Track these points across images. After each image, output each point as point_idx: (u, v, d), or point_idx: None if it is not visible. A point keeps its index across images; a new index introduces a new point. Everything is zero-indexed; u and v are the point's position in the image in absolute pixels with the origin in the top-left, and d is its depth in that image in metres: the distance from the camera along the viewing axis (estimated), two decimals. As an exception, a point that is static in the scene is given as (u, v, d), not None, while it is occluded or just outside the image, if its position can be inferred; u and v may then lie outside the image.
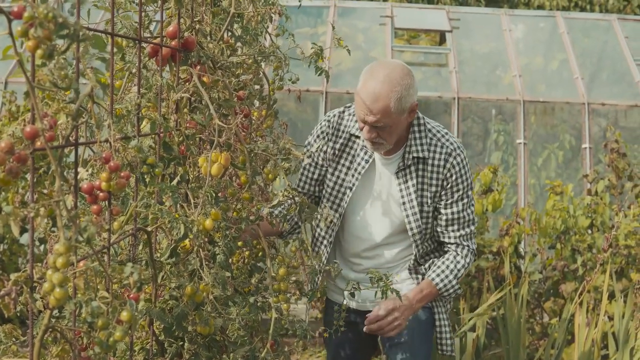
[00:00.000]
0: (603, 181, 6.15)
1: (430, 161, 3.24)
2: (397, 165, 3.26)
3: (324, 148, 3.33)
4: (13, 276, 1.34)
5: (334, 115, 3.37)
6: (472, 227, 3.33)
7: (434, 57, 8.74)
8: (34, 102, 1.32)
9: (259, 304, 2.41)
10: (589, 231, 5.82)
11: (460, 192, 3.26)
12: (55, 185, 1.35)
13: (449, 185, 3.25)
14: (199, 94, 2.16)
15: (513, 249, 5.58)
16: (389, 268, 3.36)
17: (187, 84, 2.16)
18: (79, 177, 1.61)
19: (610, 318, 5.25)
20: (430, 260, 3.38)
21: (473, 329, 5.01)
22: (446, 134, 3.30)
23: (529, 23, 9.41)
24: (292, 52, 2.76)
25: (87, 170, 1.62)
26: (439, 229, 3.33)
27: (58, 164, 1.36)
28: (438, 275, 3.26)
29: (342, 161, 3.33)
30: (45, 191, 1.47)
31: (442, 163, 3.23)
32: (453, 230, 3.30)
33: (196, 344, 2.15)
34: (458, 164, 3.24)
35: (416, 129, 3.24)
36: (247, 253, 3.03)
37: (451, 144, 3.26)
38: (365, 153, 3.30)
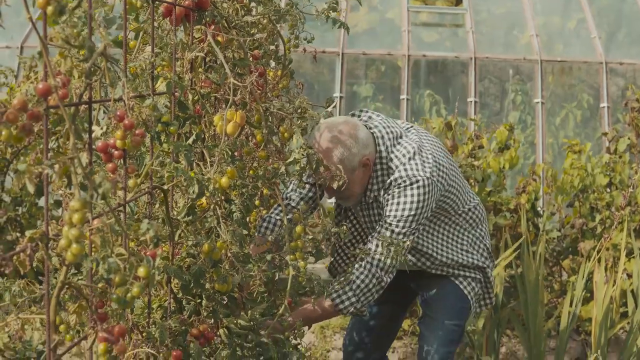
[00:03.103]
0: (624, 139, 6.09)
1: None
2: (360, 202, 3.24)
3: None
4: (28, 233, 1.35)
5: None
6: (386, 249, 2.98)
7: (451, 18, 8.67)
8: (46, 60, 1.32)
9: (276, 262, 2.42)
10: (608, 189, 5.80)
11: (390, 217, 3.05)
12: (70, 142, 1.35)
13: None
14: (213, 54, 2.16)
15: (530, 206, 5.57)
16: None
17: (201, 43, 2.16)
18: (93, 135, 1.61)
19: (629, 275, 5.25)
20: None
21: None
22: (407, 168, 3.08)
23: (546, -18, 9.32)
24: (307, 11, 2.74)
25: (101, 128, 1.62)
26: None
27: (72, 121, 1.36)
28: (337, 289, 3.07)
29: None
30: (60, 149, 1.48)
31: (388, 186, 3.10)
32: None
33: (214, 301, 2.16)
34: (400, 192, 3.05)
35: (378, 167, 3.12)
36: (264, 212, 3.05)
37: (401, 172, 3.07)
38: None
